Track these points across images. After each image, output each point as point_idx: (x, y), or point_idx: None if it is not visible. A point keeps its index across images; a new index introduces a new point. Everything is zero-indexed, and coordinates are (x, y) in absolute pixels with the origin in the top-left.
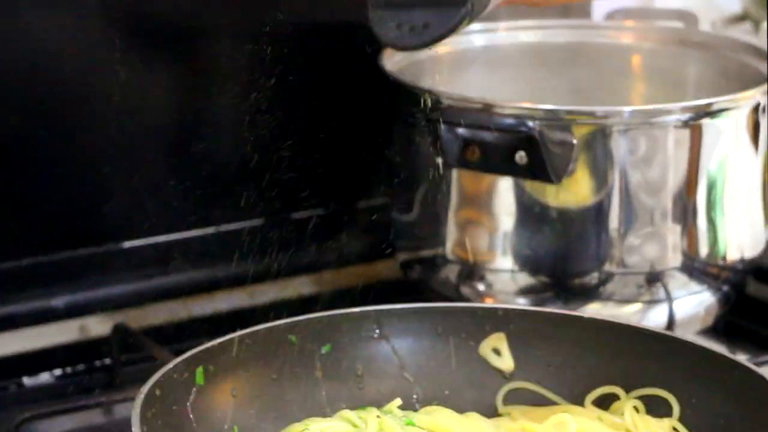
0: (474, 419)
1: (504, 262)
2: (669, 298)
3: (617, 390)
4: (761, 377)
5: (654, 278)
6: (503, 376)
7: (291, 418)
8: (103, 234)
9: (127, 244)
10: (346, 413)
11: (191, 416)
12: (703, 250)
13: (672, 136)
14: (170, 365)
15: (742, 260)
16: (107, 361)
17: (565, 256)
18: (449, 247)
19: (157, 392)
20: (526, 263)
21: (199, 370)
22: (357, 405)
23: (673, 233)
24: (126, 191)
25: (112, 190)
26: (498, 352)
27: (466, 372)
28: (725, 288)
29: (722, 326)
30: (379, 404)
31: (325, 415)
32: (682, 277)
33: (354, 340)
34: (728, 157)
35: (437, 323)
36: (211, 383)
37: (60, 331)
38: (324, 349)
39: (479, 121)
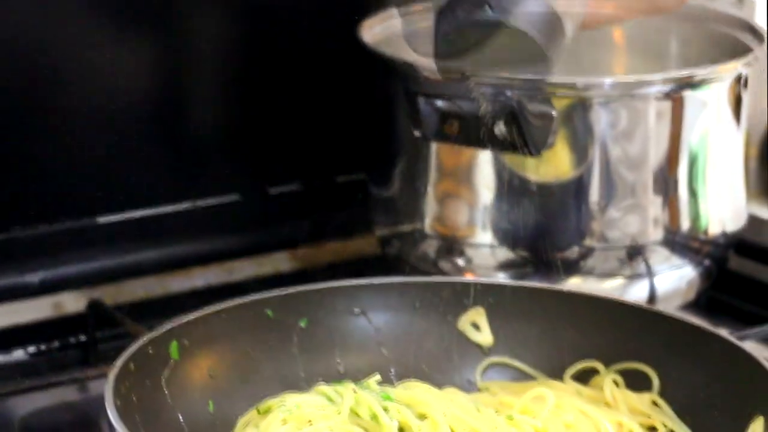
0: (452, 394)
1: (483, 236)
2: (650, 273)
3: (597, 364)
4: (742, 350)
5: (635, 252)
6: (482, 351)
7: (267, 392)
8: (78, 209)
9: (102, 219)
10: (322, 387)
11: (166, 391)
12: (685, 224)
13: (653, 108)
14: (144, 339)
15: (723, 234)
16: (82, 337)
17: (545, 231)
18: (428, 221)
19: (132, 366)
20: (506, 238)
21: (174, 344)
22: (334, 380)
23: (654, 207)
24: (101, 166)
25: (87, 164)
26: (477, 326)
27: (444, 347)
28: (707, 262)
29: (704, 301)
30: (356, 379)
31: (301, 390)
32: (663, 252)
33: (331, 315)
34: (710, 131)
35: (415, 298)
36: (186, 358)
37: (34, 308)
38: (301, 324)
39: (458, 93)
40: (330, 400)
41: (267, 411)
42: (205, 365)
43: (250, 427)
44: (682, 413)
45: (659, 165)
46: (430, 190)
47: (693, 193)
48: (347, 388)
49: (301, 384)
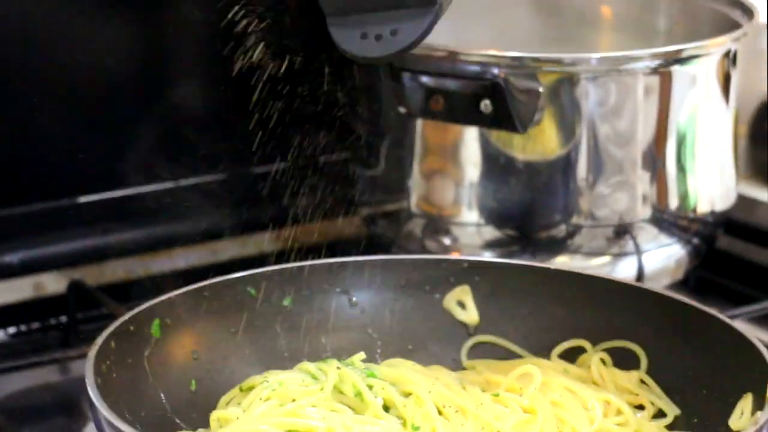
0: (438, 372)
1: (469, 215)
2: (638, 251)
3: (584, 343)
4: (732, 328)
5: (623, 231)
6: (468, 330)
7: (250, 371)
8: (58, 188)
9: (83, 198)
10: (306, 365)
11: (148, 370)
12: (673, 202)
13: (641, 84)
14: (125, 317)
15: (712, 213)
16: (63, 318)
17: (532, 209)
18: (413, 200)
19: (113, 344)
20: (492, 216)
21: (156, 322)
22: (318, 359)
23: (642, 184)
24: (82, 145)
25: (67, 143)
26: (463, 305)
27: (430, 326)
28: (695, 241)
29: (693, 281)
30: (340, 359)
31: (285, 370)
32: (651, 230)
33: (315, 294)
34: (699, 107)
35: (400, 276)
36: (167, 336)
37: (14, 288)
38: (284, 303)
39: (443, 69)
40: (314, 377)
41: (249, 389)
42: (188, 344)
43: (233, 404)
44: (670, 391)
45: (647, 142)
46: (416, 169)
47: (681, 171)
48: (331, 366)
49: (284, 363)
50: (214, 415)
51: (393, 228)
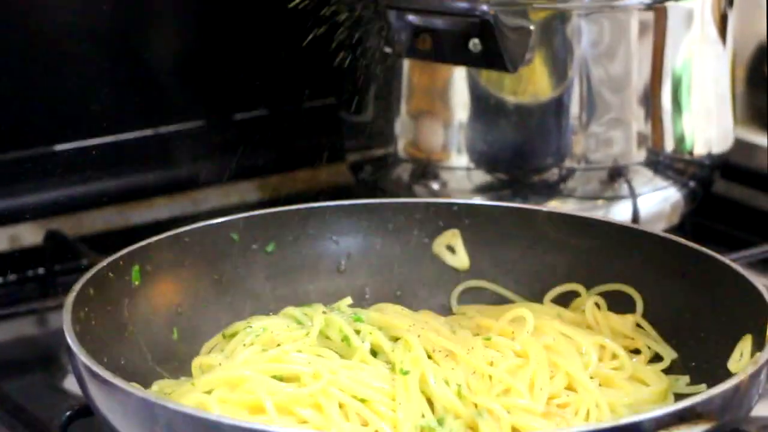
0: (427, 317)
1: (459, 159)
2: (633, 195)
3: (578, 287)
4: (731, 269)
5: (617, 174)
6: (458, 275)
7: (234, 319)
8: (33, 136)
9: (60, 147)
10: (291, 310)
11: (128, 317)
12: (669, 144)
13: (635, 20)
14: (104, 263)
15: (709, 156)
16: (40, 270)
17: (524, 152)
18: (401, 145)
19: (91, 291)
20: (483, 160)
21: (135, 269)
22: (303, 305)
23: (637, 126)
24: (58, 91)
25: (43, 90)
26: (452, 249)
27: (418, 271)
28: (692, 184)
29: (689, 226)
30: (327, 305)
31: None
32: (646, 173)
33: (300, 239)
34: (695, 46)
35: (388, 220)
36: (148, 283)
37: None
38: (268, 248)
39: (430, 6)
40: (299, 323)
41: (233, 335)
42: (169, 291)
43: (215, 351)
44: (666, 335)
45: (642, 81)
46: (403, 112)
47: (677, 112)
48: (316, 311)
49: (269, 310)
50: (196, 362)
51: (380, 174)
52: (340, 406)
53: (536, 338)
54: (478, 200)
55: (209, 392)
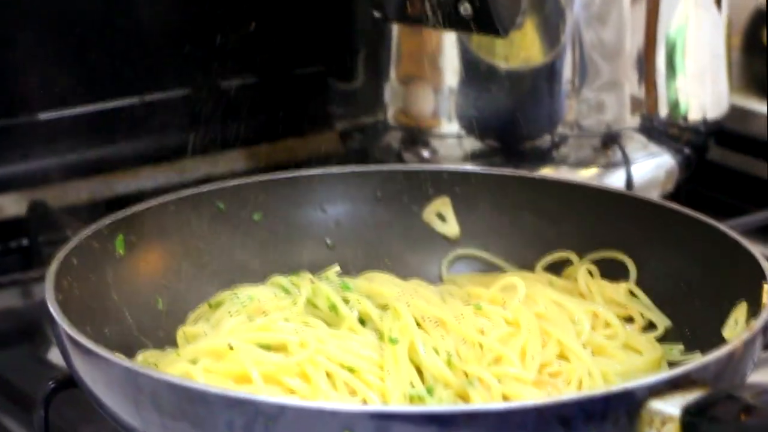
0: (416, 285)
1: (449, 126)
2: (627, 161)
3: (570, 255)
4: (726, 235)
5: (611, 140)
6: (448, 243)
7: (219, 288)
8: (17, 105)
9: (44, 115)
10: (278, 279)
11: (112, 287)
12: (663, 110)
13: None
14: (88, 231)
15: (704, 121)
16: (24, 242)
17: (515, 118)
18: (391, 112)
19: (74, 261)
20: (473, 127)
21: (119, 238)
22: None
23: (630, 91)
24: (42, 59)
25: (26, 57)
26: (442, 217)
27: (408, 239)
28: (686, 151)
29: (684, 193)
30: (314, 273)
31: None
32: (640, 139)
33: (287, 207)
34: (690, 9)
35: (376, 187)
36: (133, 253)
37: None
38: (255, 217)
39: None
40: (286, 291)
41: (219, 305)
42: (154, 260)
43: (201, 321)
44: (660, 303)
45: (636, 46)
46: (392, 79)
47: (672, 77)
48: (304, 279)
49: (256, 280)
50: (181, 332)
51: (370, 142)
52: (328, 375)
53: (528, 306)
54: (469, 167)
55: (194, 362)
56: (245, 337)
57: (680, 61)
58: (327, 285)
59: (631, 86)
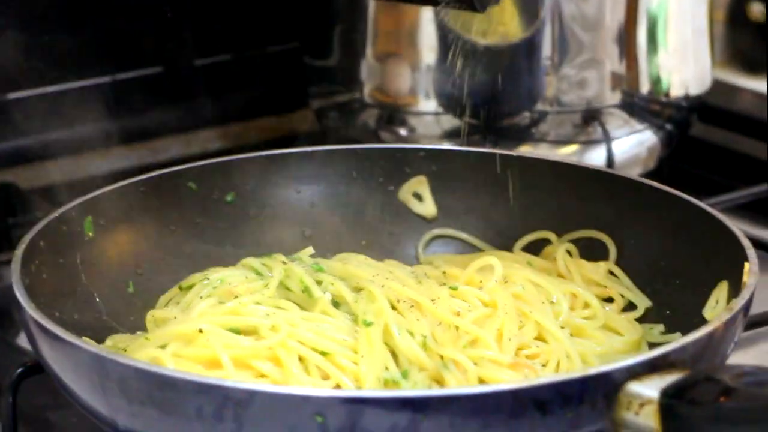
0: (391, 266)
1: (427, 103)
2: (607, 138)
3: (549, 234)
4: (707, 213)
5: (591, 117)
6: (425, 223)
7: (191, 271)
8: None
9: (13, 95)
10: (250, 261)
11: (81, 270)
12: (645, 86)
13: None
14: (55, 214)
15: (686, 97)
16: None
17: (494, 95)
18: (367, 89)
19: (42, 244)
20: (451, 104)
21: (88, 220)
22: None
23: (611, 67)
24: (11, 37)
25: None
26: (419, 197)
27: (384, 219)
28: (668, 127)
29: (666, 170)
30: (288, 255)
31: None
32: (621, 115)
33: (260, 187)
34: None
35: (352, 167)
36: (102, 235)
37: None
38: (228, 198)
39: None
40: (258, 273)
41: (189, 287)
42: (124, 243)
43: (172, 304)
44: (640, 283)
45: (616, 20)
46: (369, 56)
47: (653, 52)
48: (276, 261)
49: (228, 262)
50: (150, 316)
51: (346, 120)
52: (300, 359)
53: (505, 287)
54: (446, 146)
55: (164, 347)
56: (215, 320)
57: (662, 36)
58: (300, 267)
59: (612, 62)
